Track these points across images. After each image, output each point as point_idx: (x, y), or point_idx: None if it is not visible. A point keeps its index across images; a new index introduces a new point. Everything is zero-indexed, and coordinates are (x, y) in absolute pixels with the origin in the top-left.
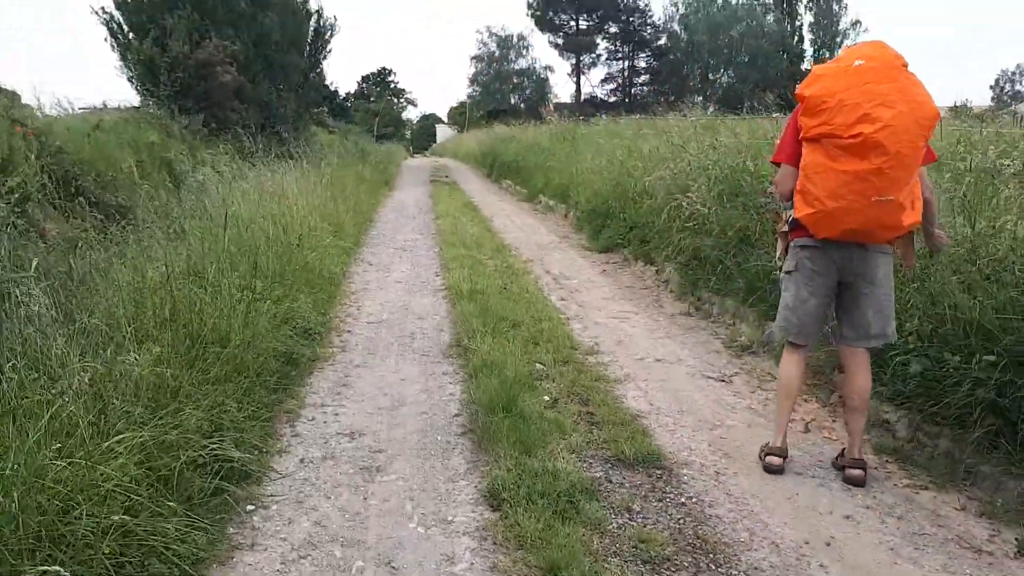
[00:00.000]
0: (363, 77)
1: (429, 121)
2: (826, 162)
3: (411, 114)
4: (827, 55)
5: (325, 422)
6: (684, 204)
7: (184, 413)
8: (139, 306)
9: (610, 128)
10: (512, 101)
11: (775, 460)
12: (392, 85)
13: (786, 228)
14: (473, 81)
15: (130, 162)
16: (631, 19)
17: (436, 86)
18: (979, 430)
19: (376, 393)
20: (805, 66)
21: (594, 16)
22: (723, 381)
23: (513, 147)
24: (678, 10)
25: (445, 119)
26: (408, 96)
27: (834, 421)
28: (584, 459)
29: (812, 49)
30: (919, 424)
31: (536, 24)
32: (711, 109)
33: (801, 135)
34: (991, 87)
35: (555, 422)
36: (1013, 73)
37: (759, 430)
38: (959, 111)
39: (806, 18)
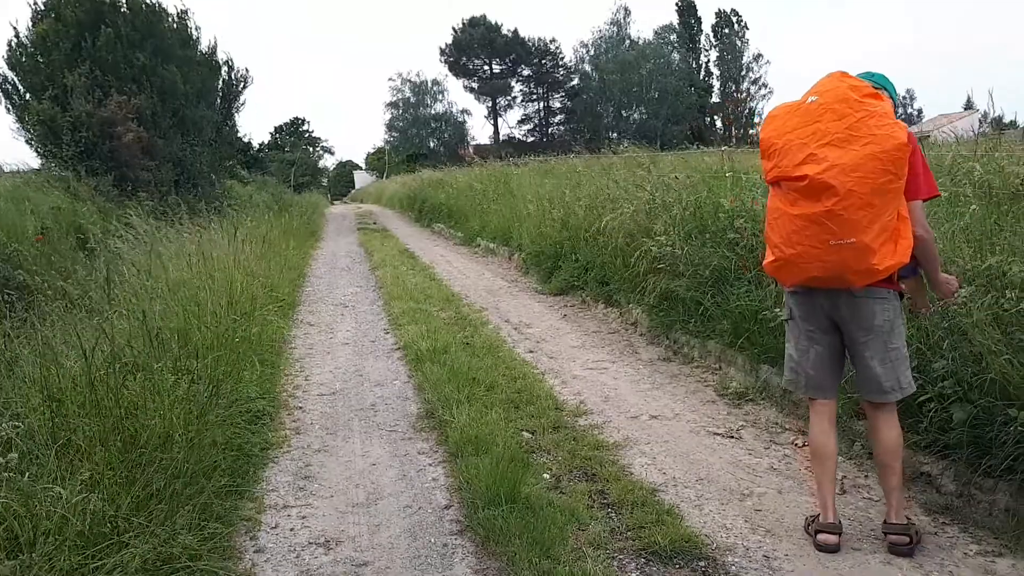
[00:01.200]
0: (276, 127)
1: (346, 168)
2: (782, 206)
3: (327, 162)
4: (733, 87)
5: (292, 529)
6: (653, 248)
7: (126, 551)
8: (56, 410)
9: (543, 167)
10: (431, 145)
11: (830, 538)
12: (307, 134)
13: None
14: (390, 127)
15: (35, 230)
16: (543, 61)
17: (351, 133)
18: None
19: (346, 485)
20: (714, 99)
21: (506, 60)
22: (732, 437)
23: (444, 190)
24: (588, 51)
25: (363, 165)
26: (324, 144)
27: (867, 477)
28: (613, 555)
29: (719, 83)
30: (969, 477)
31: (450, 70)
32: (625, 144)
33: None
34: None
35: (567, 509)
36: (904, 98)
37: (793, 496)
38: None
39: (711, 54)
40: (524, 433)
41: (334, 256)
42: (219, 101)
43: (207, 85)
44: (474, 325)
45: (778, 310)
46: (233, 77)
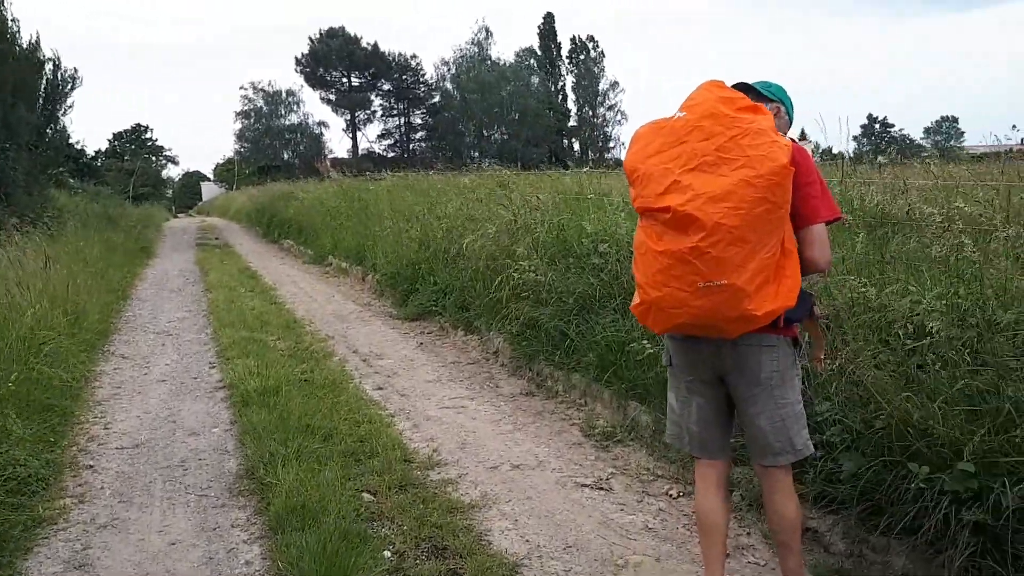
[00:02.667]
0: (115, 134)
1: (193, 179)
2: (648, 242)
3: (172, 172)
4: (589, 112)
5: None
6: (515, 274)
7: None
8: None
9: (402, 184)
10: (285, 156)
11: None
12: (150, 142)
13: None
14: (240, 137)
15: None
16: (403, 77)
17: (200, 142)
18: (957, 553)
19: (132, 574)
20: (572, 123)
21: (366, 73)
22: (602, 489)
23: (295, 205)
24: (449, 69)
25: (211, 176)
26: (168, 153)
27: (749, 534)
28: None
29: (575, 108)
30: (861, 536)
31: (306, 80)
32: (487, 163)
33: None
34: None
35: None
36: None
37: (673, 563)
38: None
39: (568, 79)
40: (364, 495)
41: (165, 275)
42: (41, 102)
43: (27, 84)
44: (316, 357)
45: (646, 342)
46: (59, 76)
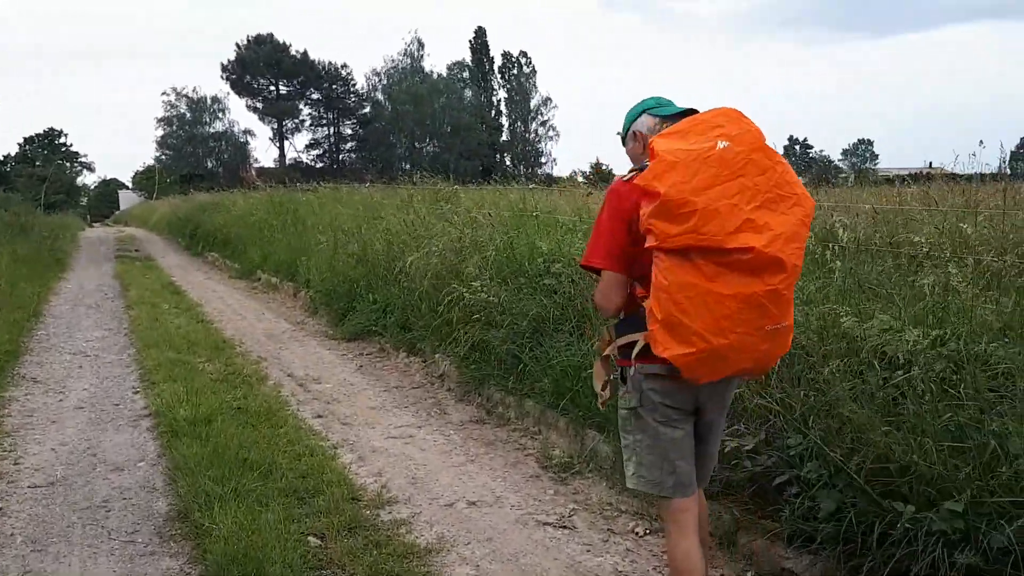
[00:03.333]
0: (26, 139)
1: (110, 187)
2: (702, 283)
3: (88, 179)
4: (522, 127)
5: None
6: (466, 294)
7: None
8: None
9: (335, 196)
10: (209, 165)
11: None
12: (64, 148)
13: (614, 352)
14: (162, 144)
15: None
16: (333, 86)
17: (118, 149)
18: None
19: None
20: (504, 137)
21: (294, 82)
22: (565, 527)
23: (221, 216)
24: (381, 80)
25: (129, 184)
26: (83, 160)
27: (722, 574)
28: None
29: (508, 122)
30: None
31: (232, 87)
32: (419, 176)
33: (652, 243)
34: None
35: None
36: None
37: None
38: None
39: (501, 93)
40: (311, 539)
41: (81, 290)
42: None
43: None
44: (249, 382)
45: None
46: None
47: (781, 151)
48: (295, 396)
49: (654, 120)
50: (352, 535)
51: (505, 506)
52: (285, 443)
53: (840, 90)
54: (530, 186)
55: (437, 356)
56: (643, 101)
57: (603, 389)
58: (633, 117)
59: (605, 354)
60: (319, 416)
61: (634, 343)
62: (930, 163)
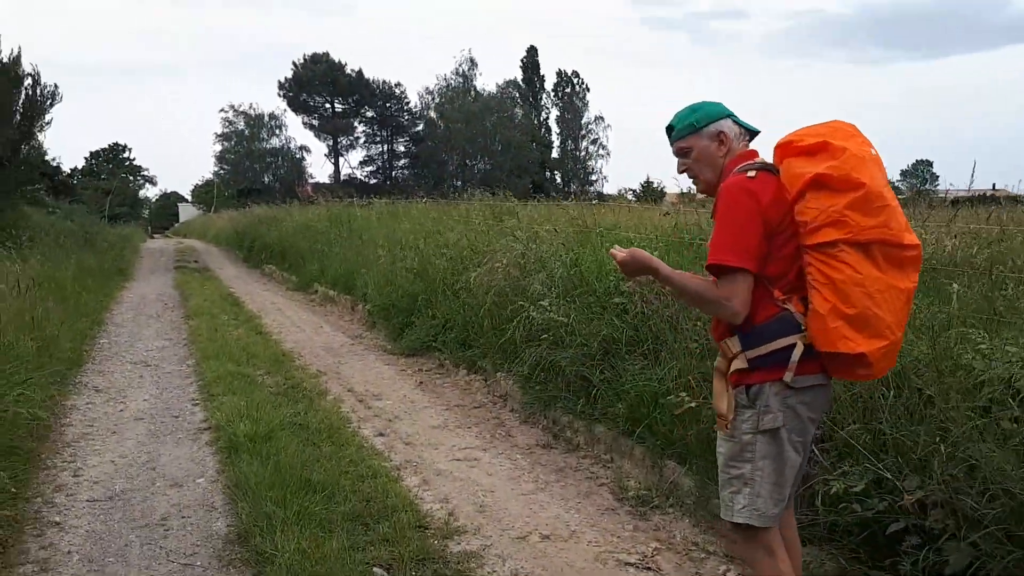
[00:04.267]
0: (92, 153)
1: (171, 200)
2: (886, 277)
3: (149, 192)
4: (572, 146)
5: None
6: (533, 313)
7: None
8: None
9: (390, 210)
10: (265, 180)
11: None
12: (127, 161)
13: (744, 365)
14: (220, 159)
15: None
16: (387, 104)
17: (178, 163)
18: None
19: None
20: (554, 155)
21: (349, 100)
22: (649, 569)
23: (278, 229)
24: (433, 98)
25: (189, 198)
26: (145, 173)
27: None
28: None
29: (558, 140)
30: None
31: (289, 105)
32: (480, 192)
33: (837, 235)
34: None
35: None
36: None
37: None
38: (686, 196)
39: (552, 111)
40: (376, 570)
41: (143, 300)
42: (18, 118)
43: (4, 98)
44: (309, 396)
45: (685, 395)
46: (39, 92)
47: None
48: (356, 412)
49: (738, 128)
50: (420, 567)
51: (582, 541)
52: (347, 463)
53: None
54: (593, 201)
55: (499, 375)
56: (716, 104)
57: (727, 410)
58: (715, 116)
59: (734, 370)
60: (381, 435)
61: (767, 356)
62: (993, 185)
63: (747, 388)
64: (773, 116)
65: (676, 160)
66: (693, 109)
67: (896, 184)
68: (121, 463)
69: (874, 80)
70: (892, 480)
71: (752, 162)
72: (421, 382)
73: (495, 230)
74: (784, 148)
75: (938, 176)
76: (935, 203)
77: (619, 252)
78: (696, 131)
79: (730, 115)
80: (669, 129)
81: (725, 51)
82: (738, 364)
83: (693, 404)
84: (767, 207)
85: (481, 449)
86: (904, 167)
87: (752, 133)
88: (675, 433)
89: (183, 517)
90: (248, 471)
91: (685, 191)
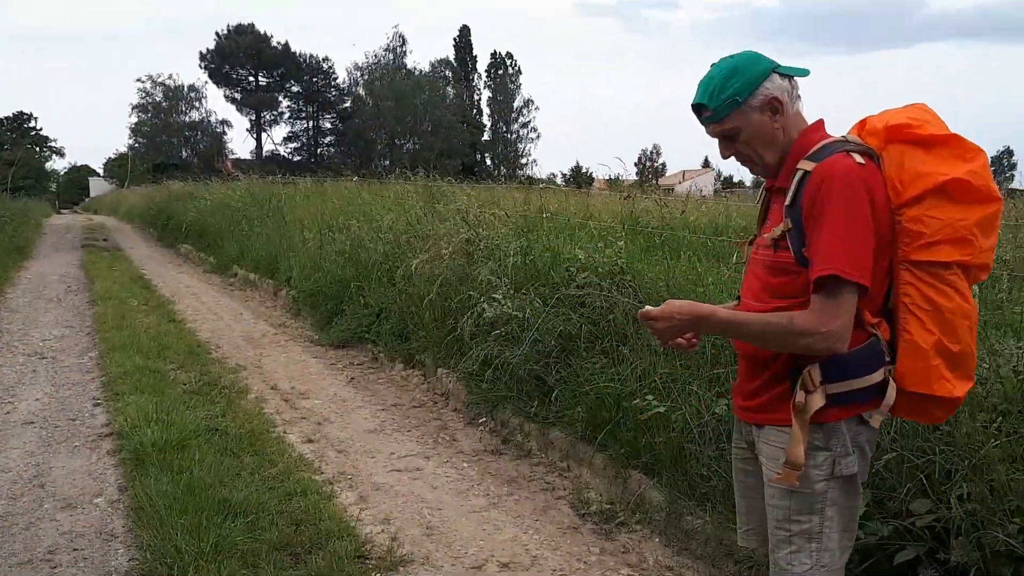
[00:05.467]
0: None
1: (81, 173)
2: (967, 305)
3: (57, 165)
4: (503, 129)
5: None
6: (485, 305)
7: None
8: None
9: (319, 190)
10: (184, 155)
11: None
12: (33, 131)
13: (823, 403)
14: (136, 131)
15: None
16: (314, 80)
17: (90, 135)
18: None
19: None
20: (486, 137)
21: (274, 74)
22: None
23: (195, 207)
24: (362, 75)
25: (101, 172)
26: (53, 145)
27: None
28: None
29: (490, 123)
30: None
31: (210, 77)
32: (397, 173)
33: (958, 255)
34: (636, 163)
35: None
36: (651, 152)
37: None
38: (614, 183)
39: (484, 93)
40: None
41: (43, 281)
42: None
43: None
44: (228, 395)
45: (651, 398)
46: None
47: None
48: (281, 414)
49: (788, 83)
50: None
51: (545, 570)
52: (273, 477)
53: (818, 99)
54: (541, 185)
55: (440, 371)
56: (754, 58)
57: (796, 454)
58: (760, 76)
59: (818, 408)
60: (310, 441)
61: (854, 392)
62: None
63: (820, 426)
64: None
65: (716, 141)
66: (728, 75)
67: None
68: (3, 479)
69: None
70: (896, 501)
71: (852, 143)
72: (353, 378)
73: (434, 213)
74: (895, 131)
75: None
76: None
77: (651, 310)
78: (739, 106)
79: (775, 67)
80: (698, 108)
81: (656, 39)
82: (817, 400)
83: (661, 409)
84: (880, 208)
85: (423, 456)
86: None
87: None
88: (641, 441)
89: (75, 550)
90: (156, 490)
91: (613, 177)
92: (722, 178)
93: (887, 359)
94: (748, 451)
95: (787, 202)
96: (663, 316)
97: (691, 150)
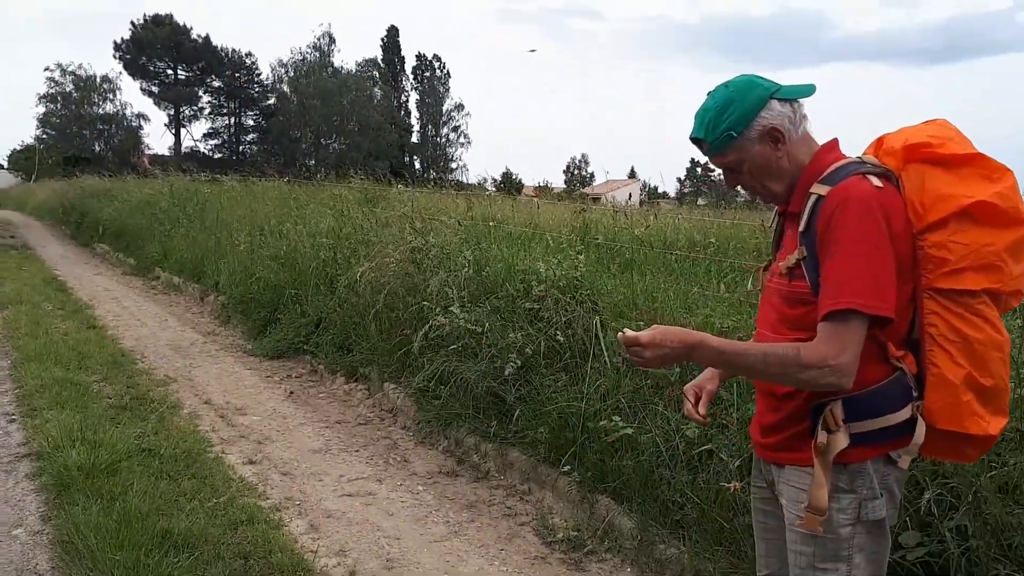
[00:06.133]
0: None
1: None
2: (999, 337)
3: None
4: (432, 132)
5: None
6: (440, 318)
7: None
8: None
9: (248, 190)
10: (96, 148)
11: None
12: None
13: (847, 443)
14: (44, 122)
15: None
16: (236, 75)
17: None
18: None
19: None
20: (414, 140)
21: (194, 67)
22: None
23: (113, 204)
24: (287, 72)
25: (5, 164)
26: None
27: None
28: None
29: (418, 125)
30: None
31: (125, 68)
32: (321, 174)
33: (987, 283)
34: (563, 171)
35: None
36: (580, 160)
37: None
38: (543, 190)
39: (413, 95)
40: None
41: None
42: None
43: None
44: (159, 411)
45: (618, 419)
46: None
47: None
48: (217, 432)
49: (790, 108)
50: None
51: None
52: (214, 503)
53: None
54: (487, 191)
55: (387, 386)
56: (750, 84)
57: (830, 502)
58: (756, 106)
59: (841, 448)
60: (251, 462)
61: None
62: None
63: (844, 467)
64: (630, 112)
65: (721, 172)
66: (723, 107)
67: None
68: None
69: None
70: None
71: (868, 163)
72: (292, 392)
73: (373, 218)
74: (914, 150)
75: None
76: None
77: (639, 335)
78: (736, 139)
79: (773, 92)
80: (697, 141)
81: (579, 48)
82: (841, 440)
83: (629, 430)
84: (899, 234)
85: (375, 480)
86: None
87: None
88: (608, 464)
89: None
90: (85, 520)
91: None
92: (647, 188)
93: (914, 394)
94: (768, 490)
95: (801, 228)
96: (652, 343)
97: (617, 160)
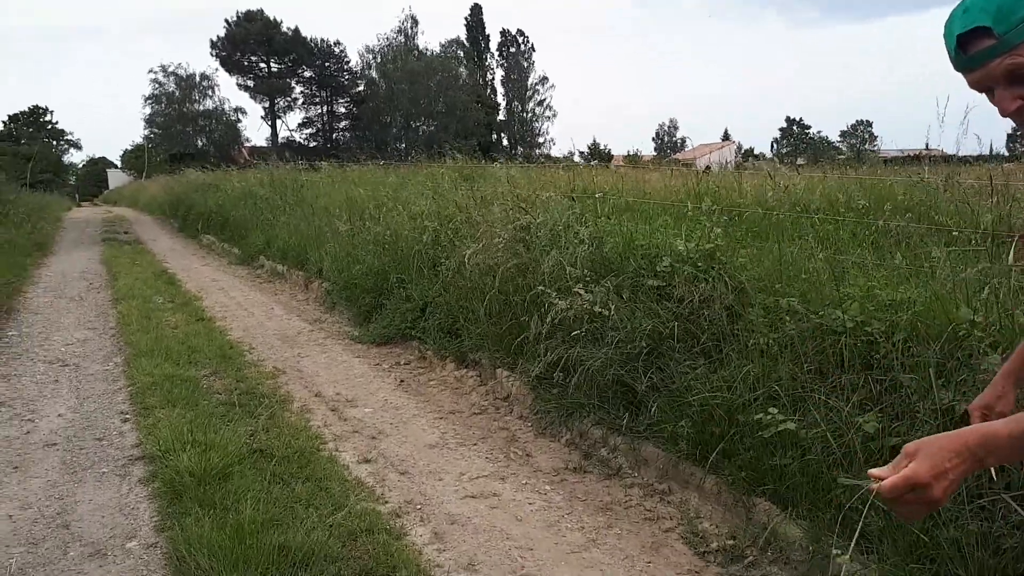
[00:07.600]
0: (11, 116)
1: (98, 166)
2: None
3: (75, 158)
4: (518, 108)
5: None
6: (558, 301)
7: None
8: None
9: (344, 175)
10: (199, 144)
11: None
12: (49, 125)
13: None
14: (150, 122)
15: None
16: (326, 64)
17: (106, 127)
18: None
19: None
20: (500, 117)
21: (286, 60)
22: None
23: (217, 196)
24: (375, 58)
25: (119, 163)
26: (70, 138)
27: None
28: None
29: (504, 102)
30: None
31: (222, 65)
32: (412, 156)
33: None
34: (652, 139)
35: None
36: (668, 126)
37: None
38: (632, 159)
39: (498, 72)
40: None
41: (64, 279)
42: None
43: None
44: (269, 406)
45: (775, 410)
46: None
47: (778, 133)
48: (329, 428)
49: None
50: None
51: None
52: (331, 510)
53: (834, 71)
54: (592, 163)
55: (500, 372)
56: None
57: None
58: None
59: None
60: (366, 460)
61: None
62: (927, 144)
63: None
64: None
65: (994, 93)
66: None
67: (837, 144)
68: (22, 518)
69: (812, 42)
70: None
71: None
72: (402, 380)
73: (478, 199)
74: None
75: (877, 136)
76: (872, 162)
77: (920, 471)
78: (990, 54)
79: None
80: (969, 38)
81: (663, 14)
82: None
83: (791, 425)
84: None
85: (498, 478)
86: (844, 127)
87: None
88: (765, 462)
89: None
90: (198, 534)
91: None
92: (743, 151)
93: None
94: None
95: None
96: (936, 473)
97: (707, 124)
